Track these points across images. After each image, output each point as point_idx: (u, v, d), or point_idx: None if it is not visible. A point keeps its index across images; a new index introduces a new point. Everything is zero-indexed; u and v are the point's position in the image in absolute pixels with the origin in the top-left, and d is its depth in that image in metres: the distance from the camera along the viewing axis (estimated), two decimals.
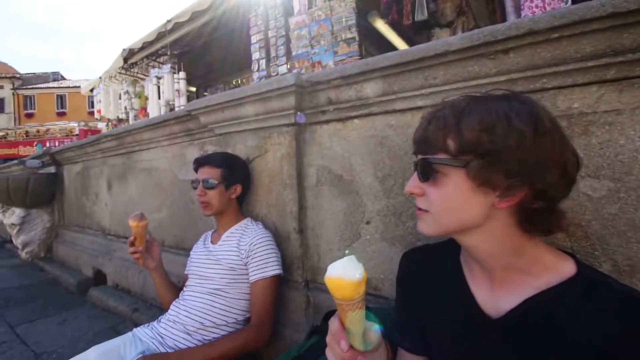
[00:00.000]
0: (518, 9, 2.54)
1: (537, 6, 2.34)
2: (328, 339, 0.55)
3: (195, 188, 1.37)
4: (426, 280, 0.74)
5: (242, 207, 1.50)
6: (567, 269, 0.58)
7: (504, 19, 2.93)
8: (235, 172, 1.42)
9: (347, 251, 0.56)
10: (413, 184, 0.62)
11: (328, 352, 0.55)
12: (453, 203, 0.58)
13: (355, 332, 0.52)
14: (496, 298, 0.62)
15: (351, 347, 0.52)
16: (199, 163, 1.39)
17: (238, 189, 1.42)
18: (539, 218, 0.56)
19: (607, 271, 0.85)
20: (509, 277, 0.61)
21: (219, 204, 1.36)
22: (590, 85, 0.87)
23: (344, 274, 0.49)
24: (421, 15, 3.11)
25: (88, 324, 2.12)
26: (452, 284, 0.69)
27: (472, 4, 3.52)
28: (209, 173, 1.35)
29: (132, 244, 1.29)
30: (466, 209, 0.57)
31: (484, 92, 0.61)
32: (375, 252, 1.24)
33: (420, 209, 0.62)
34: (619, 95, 0.84)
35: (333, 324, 0.54)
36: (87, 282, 2.77)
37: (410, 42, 4.26)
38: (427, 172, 0.59)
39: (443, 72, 1.02)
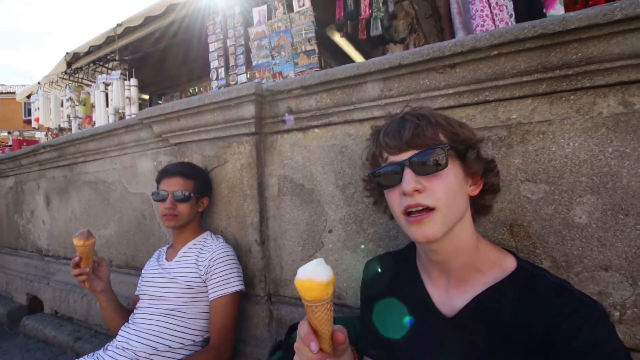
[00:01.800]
0: (466, 26, 2.75)
1: (487, 30, 2.55)
2: (297, 344, 0.54)
3: (158, 200, 1.27)
4: (387, 287, 0.77)
5: (201, 221, 1.43)
6: (508, 264, 0.64)
7: (452, 37, 3.16)
8: (205, 184, 1.37)
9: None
10: (414, 179, 0.59)
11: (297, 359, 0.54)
12: (455, 192, 0.61)
13: (323, 334, 0.52)
14: (451, 297, 0.66)
15: (320, 349, 0.51)
16: (169, 173, 1.29)
17: (205, 201, 1.38)
18: (486, 201, 0.70)
19: (547, 267, 0.92)
20: (465, 275, 0.65)
21: (188, 217, 1.29)
22: (525, 98, 0.96)
23: (314, 276, 0.50)
24: (376, 31, 3.26)
25: (21, 358, 1.87)
26: (410, 287, 0.72)
27: (422, 22, 3.76)
28: (181, 185, 1.27)
29: (77, 265, 1.16)
30: (462, 197, 0.63)
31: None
32: (337, 261, 1.24)
33: (424, 210, 0.59)
34: (550, 107, 0.93)
35: (302, 327, 0.54)
36: (20, 310, 2.46)
37: (367, 55, 4.44)
38: (431, 164, 0.60)
39: (397, 84, 1.07)
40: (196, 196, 1.31)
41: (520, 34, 0.87)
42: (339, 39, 3.89)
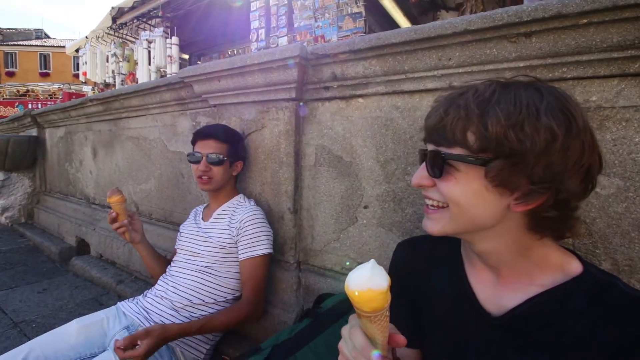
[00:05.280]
0: None
1: None
2: (353, 354, 0.49)
3: (192, 162, 1.29)
4: (422, 273, 0.71)
5: (236, 184, 1.44)
6: (572, 268, 0.56)
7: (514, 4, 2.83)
8: (239, 148, 1.37)
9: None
10: (422, 175, 0.56)
11: None
12: (464, 201, 0.53)
13: (382, 341, 0.47)
14: (499, 295, 0.59)
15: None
16: (203, 135, 1.29)
17: (239, 165, 1.38)
18: (554, 224, 0.52)
19: (606, 270, 0.84)
20: (514, 274, 0.58)
21: (222, 180, 1.30)
22: (611, 78, 0.83)
23: (372, 284, 0.43)
24: None
25: (70, 293, 2.07)
26: (451, 278, 0.66)
27: None
28: (215, 148, 1.27)
29: (115, 220, 1.24)
30: (479, 208, 0.53)
31: (510, 78, 0.54)
32: (371, 237, 1.21)
33: (432, 206, 0.56)
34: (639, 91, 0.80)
35: (356, 337, 0.49)
36: (70, 250, 2.71)
37: (414, 22, 4.12)
38: (439, 167, 0.53)
39: (459, 53, 0.96)
40: (230, 160, 1.31)
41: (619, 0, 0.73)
42: (387, 2, 3.62)
